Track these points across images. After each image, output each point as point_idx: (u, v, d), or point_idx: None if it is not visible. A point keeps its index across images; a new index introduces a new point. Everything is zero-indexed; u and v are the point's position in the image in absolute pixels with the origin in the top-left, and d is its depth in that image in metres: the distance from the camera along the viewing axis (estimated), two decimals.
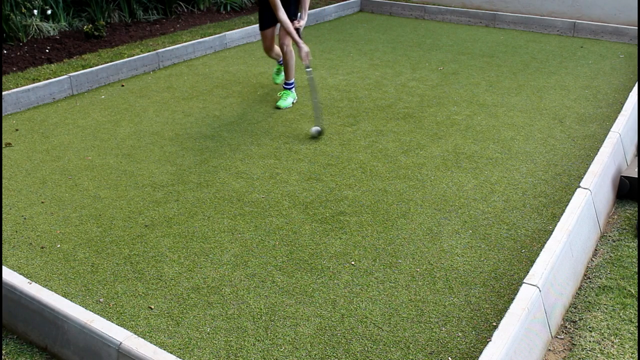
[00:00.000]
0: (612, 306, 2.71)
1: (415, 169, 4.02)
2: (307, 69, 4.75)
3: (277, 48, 5.16)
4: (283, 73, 5.33)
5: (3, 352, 2.47)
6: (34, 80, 5.37)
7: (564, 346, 2.50)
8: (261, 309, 2.69)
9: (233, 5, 8.79)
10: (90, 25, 6.92)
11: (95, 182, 3.83)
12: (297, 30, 4.78)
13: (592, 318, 2.64)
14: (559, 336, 2.56)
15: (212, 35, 7.06)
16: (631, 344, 2.48)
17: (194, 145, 4.37)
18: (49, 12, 6.97)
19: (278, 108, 5.07)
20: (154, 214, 3.46)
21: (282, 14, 4.67)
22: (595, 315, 2.66)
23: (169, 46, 6.55)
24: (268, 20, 5.00)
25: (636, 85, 4.99)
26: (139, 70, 6.00)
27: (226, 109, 5.08)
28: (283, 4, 4.71)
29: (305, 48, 4.68)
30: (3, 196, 3.64)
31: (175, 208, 3.53)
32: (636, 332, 2.54)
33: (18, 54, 6.18)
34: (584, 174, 3.59)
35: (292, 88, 5.20)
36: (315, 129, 4.50)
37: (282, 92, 5.18)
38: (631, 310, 2.67)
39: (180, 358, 2.28)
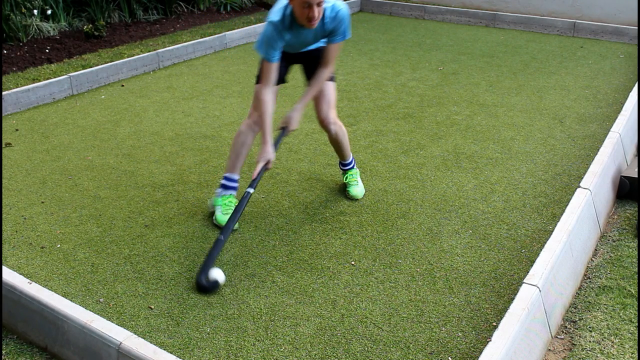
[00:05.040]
0: (612, 306, 2.71)
1: (415, 169, 4.02)
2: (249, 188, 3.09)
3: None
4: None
5: (3, 352, 2.47)
6: (34, 80, 5.37)
7: (564, 346, 2.50)
8: (261, 309, 2.69)
9: (233, 5, 8.79)
10: (90, 25, 6.92)
11: (95, 182, 3.83)
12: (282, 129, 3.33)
13: (592, 318, 2.64)
14: (559, 336, 2.56)
15: (212, 35, 7.06)
16: (631, 344, 2.48)
17: (194, 145, 4.37)
18: (49, 12, 6.97)
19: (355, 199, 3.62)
20: (154, 214, 3.46)
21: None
22: (595, 315, 2.66)
23: (169, 46, 6.55)
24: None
25: (636, 85, 4.99)
26: (139, 70, 6.00)
27: (226, 109, 5.08)
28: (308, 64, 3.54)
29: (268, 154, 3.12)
30: (3, 196, 3.64)
31: (175, 208, 3.53)
32: (636, 332, 2.54)
33: (18, 54, 6.18)
34: (584, 174, 3.59)
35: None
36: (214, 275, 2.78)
37: (348, 175, 3.67)
38: (631, 310, 2.67)
39: (180, 358, 2.28)
